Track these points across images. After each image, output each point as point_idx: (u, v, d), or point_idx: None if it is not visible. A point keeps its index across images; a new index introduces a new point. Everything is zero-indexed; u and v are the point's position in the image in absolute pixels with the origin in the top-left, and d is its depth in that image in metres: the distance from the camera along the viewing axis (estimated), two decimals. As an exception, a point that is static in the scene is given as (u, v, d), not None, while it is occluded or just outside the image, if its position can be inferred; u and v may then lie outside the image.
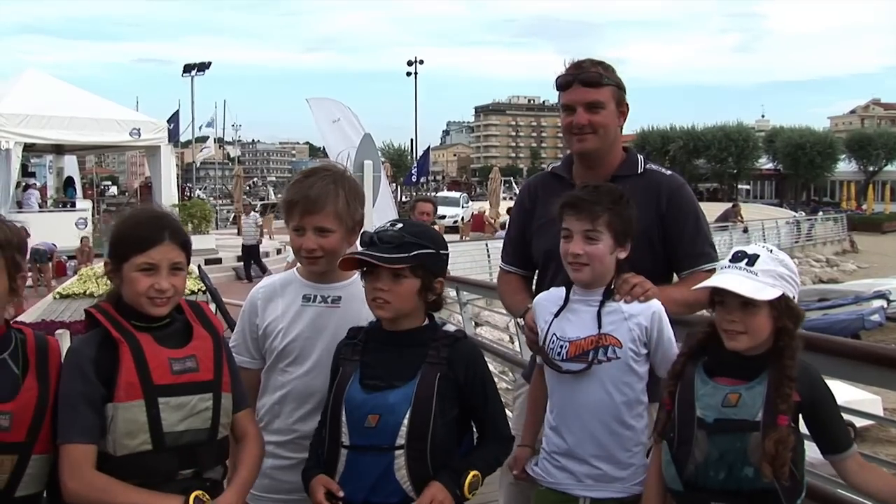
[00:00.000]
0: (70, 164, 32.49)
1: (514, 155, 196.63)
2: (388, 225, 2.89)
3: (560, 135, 3.47)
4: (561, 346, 3.08)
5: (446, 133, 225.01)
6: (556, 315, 3.14)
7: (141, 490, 2.58)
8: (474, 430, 2.98)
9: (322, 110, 19.26)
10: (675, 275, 3.62)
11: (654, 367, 3.09)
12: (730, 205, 42.56)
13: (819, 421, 2.74)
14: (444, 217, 32.76)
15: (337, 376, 2.90)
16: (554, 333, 3.12)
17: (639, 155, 3.75)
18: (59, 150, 29.62)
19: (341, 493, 2.80)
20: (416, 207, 9.44)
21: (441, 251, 2.95)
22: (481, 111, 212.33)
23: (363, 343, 2.92)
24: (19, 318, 9.81)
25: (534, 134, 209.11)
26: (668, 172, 3.74)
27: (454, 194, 54.38)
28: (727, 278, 2.73)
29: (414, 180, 44.99)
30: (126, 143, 26.47)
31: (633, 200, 3.14)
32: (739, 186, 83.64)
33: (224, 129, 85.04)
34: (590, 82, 3.50)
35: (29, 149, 26.21)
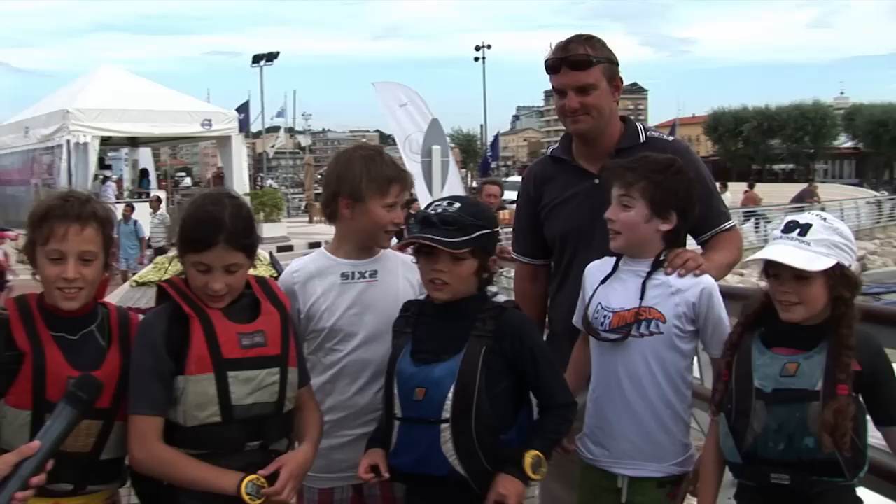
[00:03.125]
0: (145, 156, 33.07)
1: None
2: (446, 204, 2.89)
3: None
4: (605, 317, 3.04)
5: (516, 118, 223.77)
6: (603, 282, 3.10)
7: (201, 464, 2.66)
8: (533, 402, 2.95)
9: (389, 94, 19.25)
10: (689, 238, 3.50)
11: (704, 345, 3.07)
12: (806, 185, 41.61)
13: (877, 391, 2.67)
14: (513, 202, 32.52)
15: (392, 349, 2.93)
16: (599, 302, 3.08)
17: (637, 123, 3.70)
18: (133, 142, 30.23)
19: (387, 475, 2.83)
20: (483, 190, 9.41)
21: (495, 230, 2.95)
22: (550, 95, 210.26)
23: (416, 316, 2.94)
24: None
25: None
26: (671, 138, 3.74)
27: (524, 179, 53.99)
28: (779, 250, 2.66)
29: (491, 166, 44.73)
30: (198, 133, 26.93)
31: (685, 172, 3.08)
32: (816, 166, 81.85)
33: (294, 118, 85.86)
34: (578, 64, 3.44)
35: (105, 142, 26.80)
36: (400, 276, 3.24)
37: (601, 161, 3.39)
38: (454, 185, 16.99)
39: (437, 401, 2.73)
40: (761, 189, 36.89)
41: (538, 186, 3.72)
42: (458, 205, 2.87)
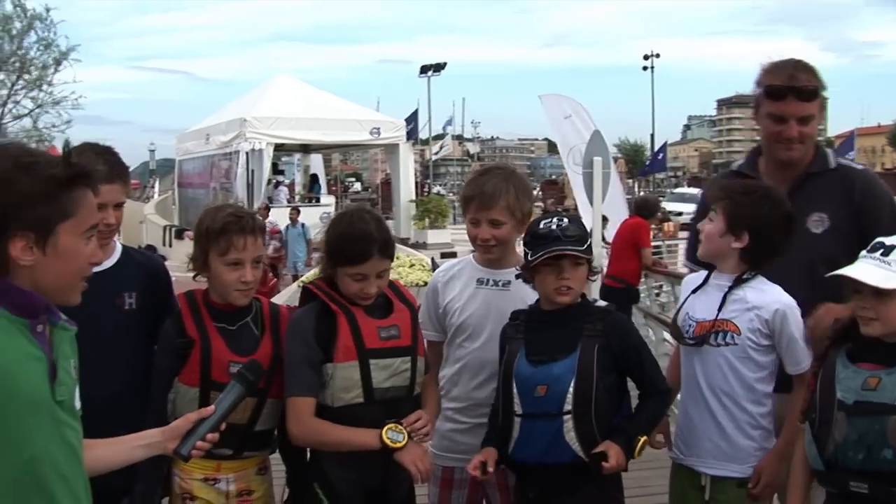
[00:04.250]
0: (316, 162, 34.18)
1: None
2: (557, 220, 3.20)
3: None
4: (689, 325, 3.34)
5: (687, 128, 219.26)
6: (694, 292, 3.39)
7: (347, 428, 3.11)
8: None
9: (554, 106, 19.30)
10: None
11: (781, 361, 3.25)
12: None
13: None
14: (681, 214, 31.87)
15: (504, 354, 3.23)
16: (686, 311, 3.38)
17: (828, 150, 3.78)
18: (305, 149, 31.27)
19: (490, 470, 3.15)
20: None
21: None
22: (723, 104, 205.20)
23: (525, 323, 3.24)
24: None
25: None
26: (860, 166, 3.77)
27: (693, 191, 52.92)
28: (857, 268, 2.80)
29: (646, 171, 44.15)
30: (366, 141, 27.64)
31: (774, 202, 3.24)
32: None
33: (463, 126, 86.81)
34: (805, 94, 3.49)
35: (279, 148, 27.83)
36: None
37: (789, 183, 3.55)
38: (615, 196, 16.85)
39: (558, 395, 3.05)
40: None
41: None
42: (566, 220, 3.21)
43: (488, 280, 3.54)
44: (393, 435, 3.07)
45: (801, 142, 3.50)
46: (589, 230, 3.32)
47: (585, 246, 3.16)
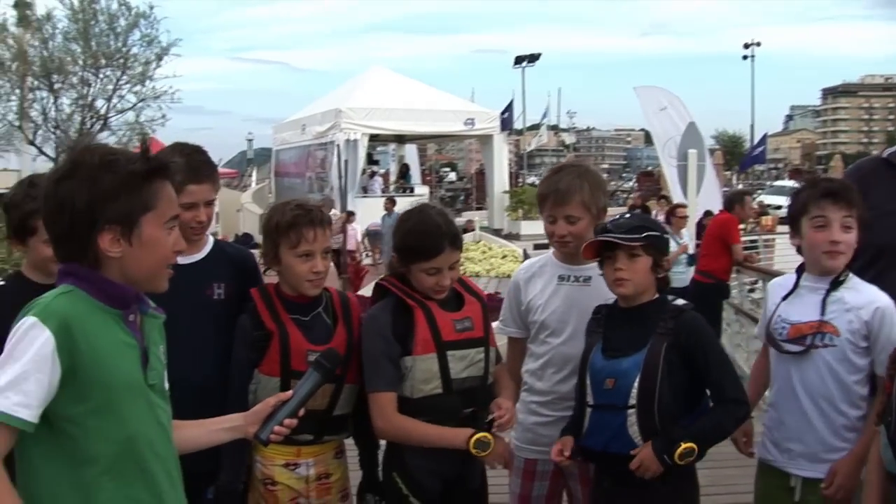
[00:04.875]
0: (410, 153, 34.43)
1: (866, 140, 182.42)
2: (618, 216, 3.32)
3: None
4: (783, 328, 3.31)
5: (789, 118, 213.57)
6: (784, 298, 3.36)
7: (434, 426, 3.22)
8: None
9: (649, 98, 19.15)
10: None
11: (873, 363, 3.20)
12: None
13: None
14: (780, 207, 31.13)
15: (585, 346, 3.31)
16: (779, 315, 3.35)
17: None
18: (400, 139, 31.52)
19: (567, 454, 3.23)
20: (745, 201, 9.16)
21: (664, 234, 3.40)
22: (829, 93, 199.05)
23: (605, 318, 3.31)
24: (360, 293, 10.78)
25: (891, 117, 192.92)
26: None
27: (792, 184, 51.54)
28: None
29: (745, 164, 43.14)
30: (460, 132, 27.73)
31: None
32: None
33: (559, 116, 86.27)
34: None
35: (374, 139, 28.09)
36: (608, 285, 3.40)
37: None
38: (710, 189, 16.60)
39: (624, 389, 3.11)
40: None
41: (866, 187, 3.60)
42: (628, 215, 3.35)
43: (569, 276, 3.59)
44: (480, 446, 3.15)
45: None
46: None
47: (638, 236, 3.16)
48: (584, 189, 3.46)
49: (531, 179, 42.72)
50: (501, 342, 3.66)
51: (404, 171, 32.27)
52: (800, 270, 3.37)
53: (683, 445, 3.04)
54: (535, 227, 25.98)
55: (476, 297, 3.42)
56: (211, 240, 3.57)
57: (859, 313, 3.18)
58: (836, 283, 3.24)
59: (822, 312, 3.22)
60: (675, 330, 3.13)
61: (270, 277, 3.51)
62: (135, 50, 21.33)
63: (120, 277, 2.24)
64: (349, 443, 3.54)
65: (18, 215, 3.26)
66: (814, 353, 3.21)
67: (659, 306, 3.24)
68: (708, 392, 3.22)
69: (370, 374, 3.26)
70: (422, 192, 29.18)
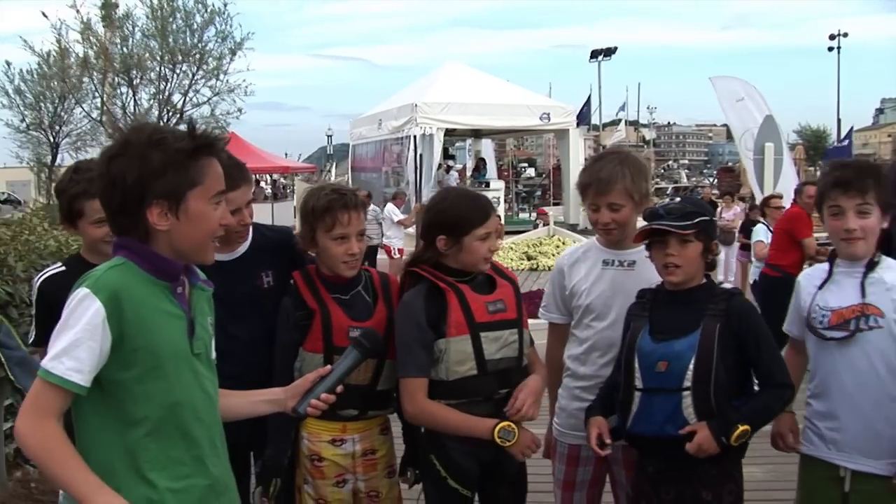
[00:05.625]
0: (486, 147, 34.34)
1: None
2: (669, 200, 3.09)
3: None
4: (823, 316, 3.26)
5: (880, 111, 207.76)
6: (820, 287, 3.32)
7: (461, 414, 3.26)
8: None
9: (726, 89, 18.83)
10: None
11: None
12: None
13: None
14: None
15: (629, 330, 3.30)
16: (817, 304, 3.30)
17: None
18: (476, 134, 31.48)
19: (609, 442, 3.25)
20: (804, 191, 9.00)
21: (714, 218, 3.38)
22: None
23: (651, 301, 3.31)
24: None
25: None
26: None
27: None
28: None
29: (828, 158, 42.01)
30: (536, 126, 27.59)
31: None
32: None
33: (638, 111, 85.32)
34: None
35: (450, 133, 28.14)
36: (658, 270, 3.39)
37: None
38: (788, 184, 16.28)
39: (678, 371, 3.09)
40: None
41: None
42: (678, 199, 3.23)
43: (614, 261, 3.61)
44: (505, 434, 3.20)
45: None
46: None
47: (689, 223, 3.16)
48: (626, 176, 3.48)
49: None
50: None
51: (479, 166, 32.23)
52: (832, 258, 3.35)
53: (741, 428, 3.04)
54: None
55: (508, 280, 3.48)
56: (250, 230, 3.65)
57: None
58: (871, 265, 3.22)
59: (863, 295, 3.18)
60: (727, 312, 3.13)
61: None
62: (210, 46, 21.89)
63: (168, 250, 2.37)
64: (395, 420, 3.62)
65: (66, 199, 3.44)
66: (859, 336, 3.16)
67: (707, 290, 3.24)
68: (754, 375, 3.20)
69: (402, 360, 3.32)
70: (497, 186, 29.12)
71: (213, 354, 2.57)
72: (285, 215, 25.77)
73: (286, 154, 57.48)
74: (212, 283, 2.57)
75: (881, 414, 3.16)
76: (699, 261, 3.23)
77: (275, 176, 38.82)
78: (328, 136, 76.44)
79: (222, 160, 3.47)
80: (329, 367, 2.80)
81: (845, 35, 64.18)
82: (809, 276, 3.44)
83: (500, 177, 32.45)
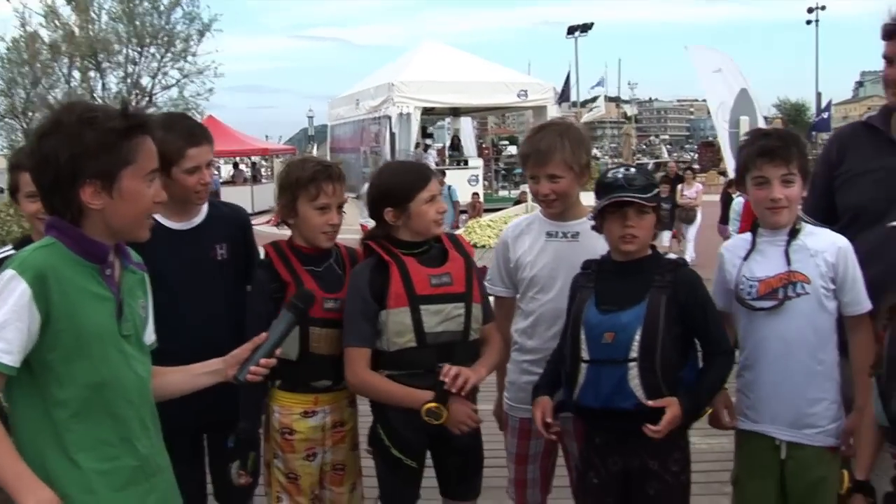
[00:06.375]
0: (466, 126, 34.24)
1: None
2: (624, 170, 3.26)
3: None
4: (751, 286, 3.26)
5: (859, 84, 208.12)
6: (745, 258, 3.31)
7: (399, 385, 3.29)
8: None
9: (703, 59, 18.69)
10: None
11: (842, 305, 3.21)
12: None
13: None
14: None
15: (574, 302, 3.28)
16: (744, 275, 3.29)
17: None
18: (454, 112, 31.41)
19: (550, 421, 3.26)
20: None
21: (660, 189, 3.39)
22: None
23: (596, 273, 3.28)
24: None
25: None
26: None
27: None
28: None
29: (809, 132, 42.20)
30: (514, 104, 27.60)
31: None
32: None
33: (619, 87, 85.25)
34: None
35: (428, 112, 28.10)
36: (602, 239, 3.38)
37: None
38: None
39: (625, 342, 3.08)
40: None
41: (842, 151, 3.66)
42: (633, 169, 3.27)
43: (558, 232, 3.60)
44: (430, 415, 3.21)
45: None
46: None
47: (650, 195, 3.18)
48: (566, 147, 3.47)
49: (594, 151, 42.33)
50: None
51: (455, 144, 32.14)
52: (754, 229, 3.35)
53: (709, 410, 3.09)
54: (589, 199, 25.86)
55: (462, 254, 3.47)
56: (208, 193, 3.65)
57: (824, 256, 3.19)
58: (794, 233, 3.24)
59: (789, 262, 3.20)
60: (674, 283, 3.14)
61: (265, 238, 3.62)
62: (178, 28, 21.80)
63: (102, 228, 2.36)
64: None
65: (12, 174, 3.47)
66: (788, 304, 3.17)
67: (654, 261, 3.24)
68: (699, 344, 3.22)
69: (346, 330, 3.35)
70: (476, 164, 29.10)
71: (153, 337, 2.59)
72: (265, 198, 25.61)
73: (266, 136, 57.11)
74: (145, 266, 2.58)
75: (811, 378, 3.19)
76: (652, 232, 3.24)
77: (254, 159, 38.61)
78: (309, 118, 75.97)
79: (185, 122, 3.53)
80: (265, 334, 2.78)
81: (823, 8, 64.11)
82: (732, 248, 3.42)
83: (480, 155, 32.37)
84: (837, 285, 3.20)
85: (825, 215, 3.61)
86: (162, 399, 2.58)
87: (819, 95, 62.66)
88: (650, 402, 3.03)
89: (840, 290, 3.20)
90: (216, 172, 40.10)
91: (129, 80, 21.64)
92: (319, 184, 3.41)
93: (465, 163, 28.91)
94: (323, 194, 3.41)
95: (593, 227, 3.31)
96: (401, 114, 24.67)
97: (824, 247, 3.22)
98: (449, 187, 20.63)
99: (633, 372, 3.06)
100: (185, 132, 3.43)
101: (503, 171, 34.82)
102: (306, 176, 3.42)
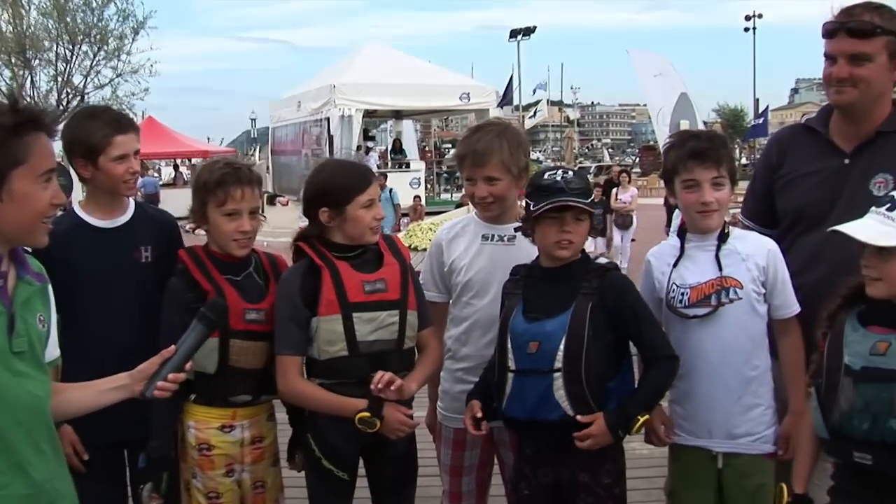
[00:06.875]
0: (408, 129, 34.14)
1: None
2: (562, 173, 3.12)
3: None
4: (682, 294, 3.18)
5: (795, 91, 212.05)
6: (674, 265, 3.23)
7: (331, 394, 3.16)
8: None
9: (644, 63, 18.90)
10: None
11: (771, 309, 3.16)
12: None
13: None
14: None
15: (503, 309, 3.17)
16: (674, 283, 3.21)
17: None
18: (397, 115, 31.30)
19: (484, 425, 3.17)
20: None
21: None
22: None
23: (524, 279, 3.17)
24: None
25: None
26: None
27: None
28: (858, 224, 2.61)
29: (748, 136, 42.92)
30: (456, 107, 27.59)
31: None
32: None
33: (562, 91, 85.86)
34: (858, 32, 3.18)
35: (370, 115, 27.93)
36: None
37: (857, 141, 3.32)
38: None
39: (549, 352, 2.97)
40: None
41: (781, 154, 3.59)
42: (571, 173, 3.13)
43: (493, 235, 3.47)
44: (364, 424, 3.08)
45: (853, 85, 3.19)
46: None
47: (590, 199, 3.09)
48: (504, 149, 3.34)
49: (534, 156, 42.53)
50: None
51: (397, 147, 32.02)
52: (681, 234, 3.27)
53: (641, 419, 2.97)
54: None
55: (398, 259, 3.31)
56: (132, 202, 3.53)
57: (755, 260, 3.14)
58: (723, 237, 3.18)
59: (720, 268, 3.14)
60: (601, 289, 3.02)
61: (192, 240, 3.46)
62: (111, 25, 21.37)
63: None
64: (280, 407, 3.49)
65: None
66: (721, 311, 3.11)
67: (582, 266, 3.12)
68: (637, 351, 3.12)
69: (277, 337, 3.21)
70: (417, 167, 29.01)
71: (56, 352, 2.42)
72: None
73: (208, 139, 56.48)
74: (45, 277, 2.39)
75: (746, 384, 3.15)
76: (585, 237, 3.13)
77: (195, 161, 38.14)
78: (252, 120, 75.43)
79: (108, 112, 3.35)
80: (173, 348, 2.61)
81: (760, 16, 65.01)
82: (659, 255, 3.33)
83: (422, 158, 32.32)
84: (768, 289, 3.15)
85: (765, 219, 3.57)
86: (65, 418, 2.41)
87: (757, 101, 63.79)
88: (579, 417, 2.94)
89: (770, 294, 3.16)
90: (156, 174, 39.72)
91: (60, 79, 21.13)
92: (227, 188, 3.22)
93: (407, 165, 28.82)
94: (231, 199, 3.22)
95: (522, 231, 3.19)
96: (342, 116, 24.52)
97: (755, 250, 3.17)
98: (390, 190, 20.52)
99: (559, 383, 2.96)
100: (110, 120, 3.30)
101: (445, 175, 34.80)
102: (213, 179, 3.24)
